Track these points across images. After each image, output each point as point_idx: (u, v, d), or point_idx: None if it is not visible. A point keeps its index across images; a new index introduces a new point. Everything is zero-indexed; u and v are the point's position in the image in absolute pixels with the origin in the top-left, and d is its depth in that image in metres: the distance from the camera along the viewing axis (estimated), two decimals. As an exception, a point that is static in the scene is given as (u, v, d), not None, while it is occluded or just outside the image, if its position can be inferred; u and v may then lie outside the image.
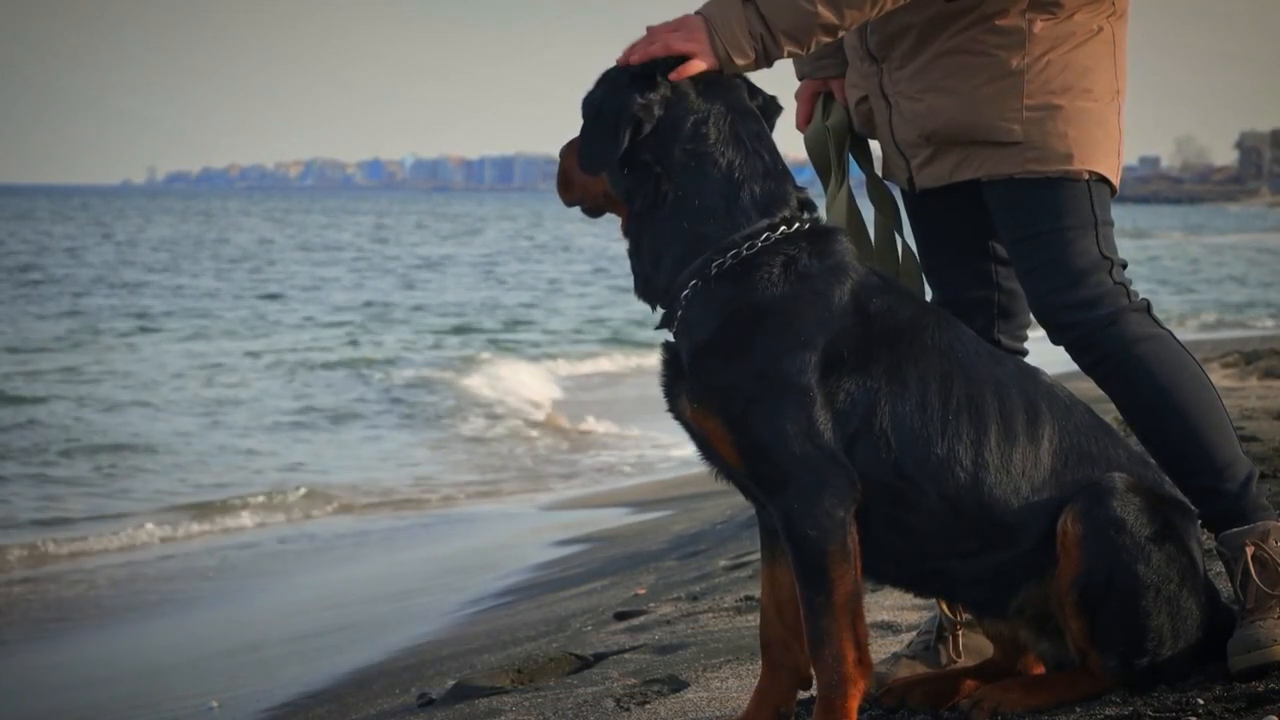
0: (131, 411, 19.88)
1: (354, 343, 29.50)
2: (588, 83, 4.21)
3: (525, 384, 22.86)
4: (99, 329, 30.52)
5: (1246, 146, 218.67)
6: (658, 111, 4.09)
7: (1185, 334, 26.90)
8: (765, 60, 4.17)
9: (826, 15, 4.14)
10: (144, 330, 30.71)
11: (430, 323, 34.59)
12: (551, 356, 27.21)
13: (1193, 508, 4.32)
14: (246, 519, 13.38)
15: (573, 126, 4.26)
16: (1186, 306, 37.28)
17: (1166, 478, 4.32)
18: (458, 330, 32.61)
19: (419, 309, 38.30)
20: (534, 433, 18.56)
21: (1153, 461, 4.36)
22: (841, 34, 4.25)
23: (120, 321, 32.45)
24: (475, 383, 23.01)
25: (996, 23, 4.36)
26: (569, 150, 4.24)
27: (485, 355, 26.90)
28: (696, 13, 4.16)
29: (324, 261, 58.11)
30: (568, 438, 18.01)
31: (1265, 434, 8.97)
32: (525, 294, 44.36)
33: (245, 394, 21.82)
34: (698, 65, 4.11)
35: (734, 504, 9.74)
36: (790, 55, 4.20)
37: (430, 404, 21.11)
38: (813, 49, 4.23)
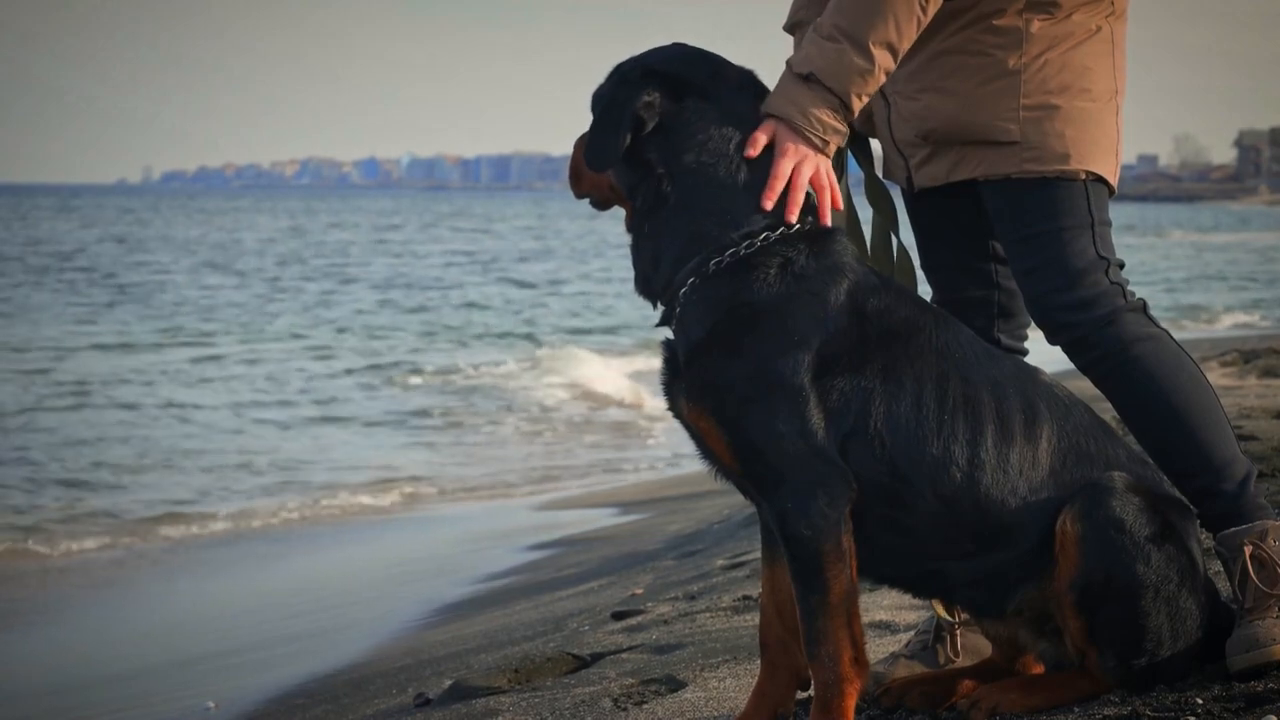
0: (165, 414, 19.89)
1: (439, 344, 29.57)
2: (585, 81, 4.23)
3: (594, 377, 22.91)
4: (125, 334, 30.45)
5: (1245, 145, 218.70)
6: (661, 107, 4.09)
7: (1201, 333, 26.98)
8: (848, 124, 4.20)
9: (884, 60, 4.16)
10: (192, 335, 30.60)
11: (475, 319, 34.66)
12: (613, 351, 27.22)
13: (1192, 507, 4.32)
14: (254, 520, 13.40)
15: (569, 125, 4.28)
16: (1226, 302, 37.48)
17: (1165, 477, 4.32)
18: (509, 330, 32.63)
19: (459, 306, 38.36)
20: (599, 427, 18.69)
21: (1151, 461, 4.36)
22: None
23: (153, 325, 32.40)
24: (534, 378, 23.11)
25: (994, 22, 4.36)
26: (582, 143, 4.23)
27: (546, 351, 26.98)
28: (770, 116, 4.15)
29: (351, 261, 58.04)
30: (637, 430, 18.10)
31: (1264, 433, 8.98)
32: (565, 288, 44.47)
33: (292, 396, 21.79)
34: (827, 191, 4.16)
35: (731, 503, 9.76)
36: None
37: (477, 402, 21.14)
38: None
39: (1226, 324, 31.42)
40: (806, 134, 4.12)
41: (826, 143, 4.15)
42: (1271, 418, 10.10)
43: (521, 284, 46.79)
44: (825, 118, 4.13)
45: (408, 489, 14.63)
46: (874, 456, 4.04)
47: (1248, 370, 14.66)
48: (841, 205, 4.21)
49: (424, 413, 20.20)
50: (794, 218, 4.10)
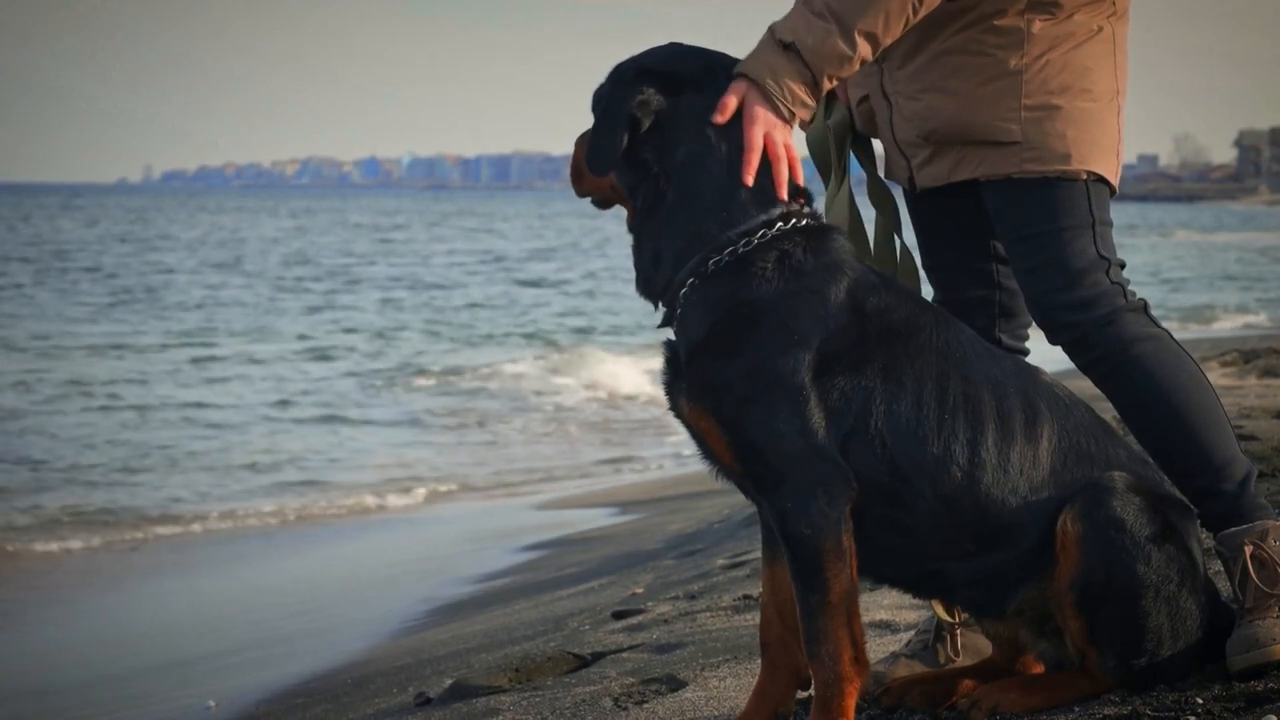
0: (168, 413, 19.87)
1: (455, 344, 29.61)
2: (585, 81, 4.23)
3: (611, 375, 22.89)
4: (128, 334, 30.39)
5: (1245, 145, 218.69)
6: (656, 105, 4.09)
7: (1201, 333, 26.97)
8: (814, 101, 4.19)
9: (865, 50, 4.15)
10: (196, 335, 30.51)
11: (483, 319, 34.67)
12: (625, 349, 27.14)
13: (1192, 507, 4.32)
14: (254, 519, 13.41)
15: (569, 125, 4.28)
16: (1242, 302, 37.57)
17: (1165, 477, 4.32)
18: (519, 330, 32.63)
19: (467, 306, 38.37)
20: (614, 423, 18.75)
21: (1152, 461, 4.36)
22: None
23: (157, 325, 32.34)
24: (547, 377, 23.14)
25: (995, 23, 4.35)
26: (582, 142, 4.24)
27: (559, 349, 26.98)
28: (742, 76, 4.14)
29: (357, 261, 57.96)
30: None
31: (1264, 433, 8.99)
32: (572, 287, 44.50)
33: (296, 397, 21.74)
34: (783, 161, 4.14)
35: (732, 503, 9.76)
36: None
37: (486, 402, 21.15)
38: None
39: (1228, 324, 31.42)
40: (775, 101, 4.11)
41: (793, 114, 4.14)
42: (1271, 417, 10.11)
43: (529, 283, 46.78)
44: (797, 90, 4.12)
45: (412, 488, 14.63)
46: (874, 456, 4.03)
47: (1248, 370, 14.67)
48: (801, 179, 4.19)
49: (431, 413, 20.20)
50: (783, 192, 4.10)
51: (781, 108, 4.11)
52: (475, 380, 23.34)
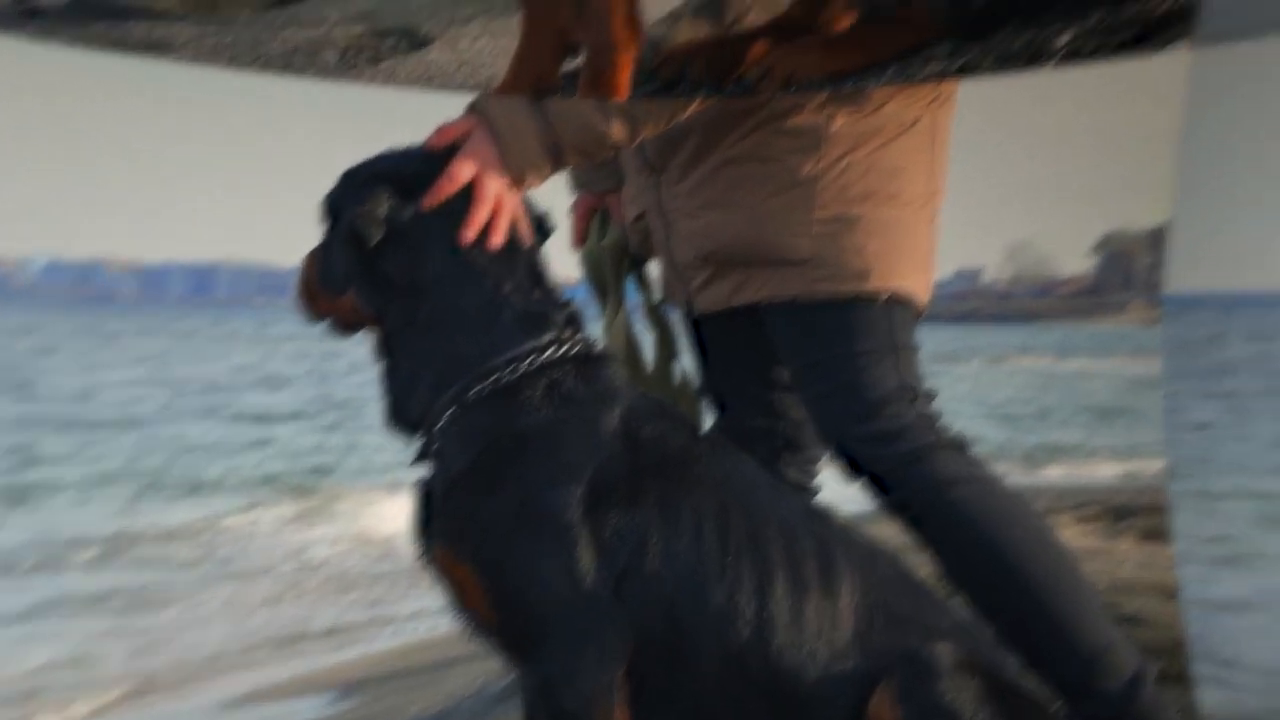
0: None
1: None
2: (320, 179, 4.41)
3: (366, 521, 22.81)
4: None
5: (1112, 251, 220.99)
6: (391, 214, 4.15)
7: (1038, 479, 27.17)
8: (550, 175, 4.22)
9: (618, 135, 4.23)
10: None
11: (182, 463, 34.10)
12: (380, 488, 26.82)
13: (1051, 701, 4.03)
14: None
15: (297, 233, 4.52)
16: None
17: (1009, 658, 4.09)
18: (232, 474, 32.18)
19: (154, 449, 37.68)
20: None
21: (989, 631, 4.20)
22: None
23: None
24: (276, 528, 23.00)
25: (789, 122, 4.46)
26: (311, 259, 4.34)
27: (307, 494, 26.83)
28: (476, 113, 4.15)
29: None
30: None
31: (1154, 616, 7.99)
32: (319, 422, 44.05)
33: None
34: (507, 214, 4.14)
35: (487, 669, 9.75)
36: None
37: (175, 573, 20.74)
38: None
39: (1083, 470, 31.70)
40: (505, 153, 4.11)
41: (521, 178, 4.15)
42: (1165, 598, 8.78)
43: (253, 418, 46.10)
44: (532, 151, 4.15)
45: (62, 703, 14.39)
46: (651, 600, 4.06)
47: (1120, 530, 13.52)
48: (502, 235, 4.17)
49: (97, 596, 19.70)
50: (470, 235, 4.14)
51: (510, 163, 4.11)
52: (163, 545, 22.92)
